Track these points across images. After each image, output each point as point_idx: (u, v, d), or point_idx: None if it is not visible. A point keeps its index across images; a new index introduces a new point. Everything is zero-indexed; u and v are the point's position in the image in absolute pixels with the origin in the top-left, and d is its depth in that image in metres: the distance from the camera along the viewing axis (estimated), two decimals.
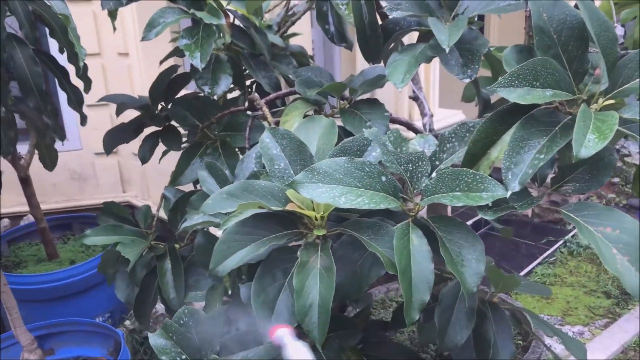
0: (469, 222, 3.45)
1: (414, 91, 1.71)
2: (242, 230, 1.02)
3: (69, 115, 3.56)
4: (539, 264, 3.66)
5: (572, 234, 3.93)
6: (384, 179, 0.98)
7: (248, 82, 1.87)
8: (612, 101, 0.90)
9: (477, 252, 0.91)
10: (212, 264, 1.01)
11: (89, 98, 3.36)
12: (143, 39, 1.46)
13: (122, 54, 3.49)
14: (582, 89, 0.96)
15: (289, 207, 0.98)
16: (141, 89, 3.47)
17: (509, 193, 0.85)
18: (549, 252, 3.74)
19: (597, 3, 1.46)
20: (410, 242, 0.93)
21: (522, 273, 3.53)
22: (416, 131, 1.75)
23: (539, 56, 0.93)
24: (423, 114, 1.79)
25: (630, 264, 0.81)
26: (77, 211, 3.68)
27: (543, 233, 3.90)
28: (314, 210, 1.01)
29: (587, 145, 0.78)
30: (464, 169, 0.92)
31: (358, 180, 0.96)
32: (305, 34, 2.26)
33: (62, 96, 3.20)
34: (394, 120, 1.71)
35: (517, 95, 0.86)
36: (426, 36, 1.31)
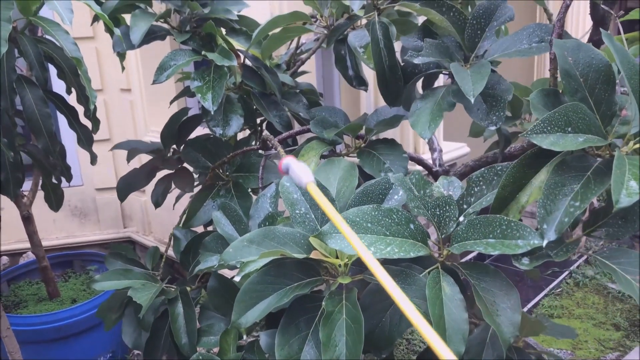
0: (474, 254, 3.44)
1: None
2: (264, 279, 0.99)
3: (69, 151, 3.54)
4: (545, 295, 3.62)
5: (577, 264, 3.90)
6: (412, 226, 0.96)
7: (258, 121, 1.86)
8: None
9: (512, 301, 0.89)
10: (235, 316, 0.98)
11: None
12: (154, 82, 1.45)
13: (124, 90, 3.50)
14: (610, 131, 0.95)
15: (313, 256, 0.96)
16: (143, 125, 3.47)
17: (545, 242, 0.83)
18: (554, 283, 3.71)
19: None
20: (442, 291, 0.90)
21: (529, 305, 3.48)
22: (427, 167, 1.74)
23: (566, 100, 0.93)
24: (432, 149, 1.78)
25: None
26: (77, 247, 3.64)
27: (548, 264, 3.86)
28: (337, 257, 0.99)
29: (627, 194, 0.76)
30: (498, 215, 0.90)
31: (386, 228, 0.94)
32: (314, 72, 2.26)
33: (65, 134, 3.21)
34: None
35: (550, 142, 0.84)
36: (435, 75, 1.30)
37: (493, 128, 1.05)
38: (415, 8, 1.16)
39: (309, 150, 1.31)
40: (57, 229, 3.73)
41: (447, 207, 0.99)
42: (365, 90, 1.40)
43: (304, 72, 1.95)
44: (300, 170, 0.79)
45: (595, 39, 1.33)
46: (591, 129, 0.88)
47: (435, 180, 1.77)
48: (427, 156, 2.26)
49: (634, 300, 3.62)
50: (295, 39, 1.88)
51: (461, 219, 1.01)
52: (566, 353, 3.07)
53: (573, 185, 0.86)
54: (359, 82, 1.34)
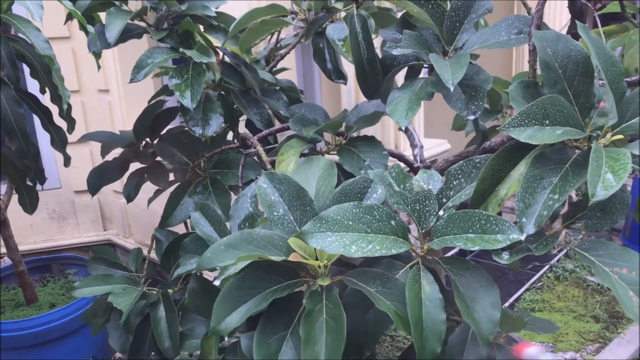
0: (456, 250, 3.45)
1: None
2: (243, 284, 0.97)
3: (47, 154, 3.48)
4: (527, 289, 3.65)
5: (557, 258, 3.95)
6: (393, 222, 0.95)
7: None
8: (620, 136, 0.89)
9: (492, 297, 0.89)
10: (214, 322, 0.96)
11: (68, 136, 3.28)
12: (131, 80, 1.42)
13: (102, 91, 3.44)
14: (589, 123, 0.96)
15: (292, 258, 0.94)
16: (122, 126, 3.42)
17: (524, 236, 0.82)
18: (535, 277, 3.74)
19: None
20: (422, 290, 0.90)
21: (511, 300, 3.51)
22: (408, 163, 1.73)
23: (546, 91, 0.92)
24: (413, 145, 1.78)
25: None
26: (56, 251, 3.57)
27: (529, 258, 3.90)
28: (317, 259, 0.98)
29: (603, 187, 0.76)
30: (477, 210, 0.89)
31: (367, 225, 0.93)
32: (291, 68, 2.24)
33: (41, 135, 3.15)
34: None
35: (527, 135, 0.84)
36: (416, 70, 1.30)
37: (472, 117, 1.04)
38: (394, 0, 1.15)
39: (289, 148, 1.30)
40: (35, 233, 3.67)
41: (427, 202, 0.98)
42: (345, 83, 1.38)
43: (283, 69, 1.93)
44: None
45: (573, 32, 1.33)
46: (569, 122, 0.88)
47: None
48: (408, 152, 2.26)
49: (613, 292, 3.67)
50: (275, 34, 1.86)
51: (441, 213, 1.00)
52: (548, 346, 3.09)
53: (551, 178, 0.86)
54: (338, 75, 1.33)
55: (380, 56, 1.18)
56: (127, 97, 3.34)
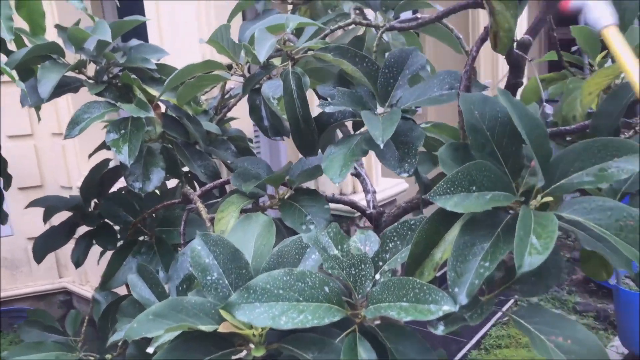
0: None
1: (355, 168, 1.69)
2: (173, 354, 0.92)
3: None
4: (493, 325, 3.64)
5: None
6: (327, 289, 0.91)
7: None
8: (549, 198, 0.88)
9: None
10: None
11: (21, 180, 3.19)
12: (66, 137, 1.37)
13: (56, 134, 3.37)
14: (521, 182, 0.95)
15: (222, 329, 0.90)
16: (77, 170, 3.34)
17: (458, 307, 0.80)
18: (500, 312, 3.73)
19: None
20: (358, 358, 0.86)
21: (477, 337, 3.49)
22: (360, 210, 1.72)
23: (474, 155, 0.91)
24: (366, 191, 1.76)
25: None
26: (9, 302, 3.43)
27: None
28: (251, 327, 0.93)
29: (530, 256, 0.75)
30: (412, 278, 0.86)
31: (299, 293, 0.89)
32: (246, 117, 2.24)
33: None
34: (339, 201, 1.68)
35: (453, 203, 0.82)
36: (361, 124, 1.29)
37: (405, 175, 1.03)
38: (329, 58, 1.14)
39: (229, 205, 1.26)
40: None
41: (363, 266, 0.95)
42: (282, 140, 1.36)
43: (232, 119, 1.91)
44: (598, 9, 0.66)
45: (513, 83, 1.34)
46: (498, 185, 0.87)
47: (371, 222, 1.75)
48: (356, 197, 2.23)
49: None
50: (222, 84, 1.84)
51: (378, 277, 0.97)
52: None
53: (483, 244, 0.84)
54: (274, 132, 1.31)
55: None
56: (82, 140, 3.27)
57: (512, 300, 3.84)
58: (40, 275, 3.62)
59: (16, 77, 1.33)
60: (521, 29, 1.25)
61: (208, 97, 2.07)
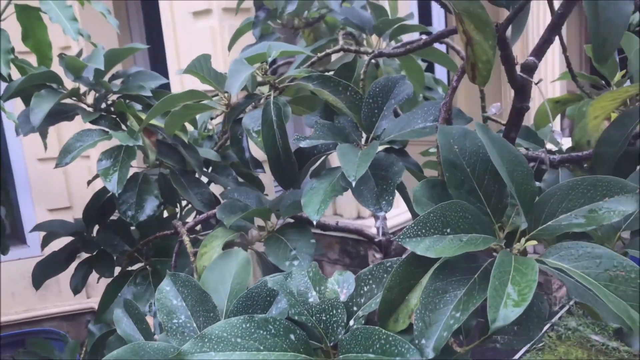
0: None
1: None
2: None
3: (28, 220, 3.45)
4: (527, 351, 3.46)
5: (558, 315, 3.76)
6: (292, 337, 0.85)
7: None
8: (534, 242, 0.80)
9: None
10: None
11: (51, 202, 3.26)
12: (57, 165, 1.36)
13: (84, 157, 3.43)
14: (506, 223, 0.87)
15: None
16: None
17: None
18: (536, 338, 3.55)
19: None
20: None
21: None
22: (369, 237, 1.65)
23: (451, 193, 0.84)
24: (376, 217, 1.70)
25: None
26: (37, 322, 3.49)
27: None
28: None
29: (504, 310, 0.67)
30: (377, 328, 0.79)
31: (260, 342, 0.83)
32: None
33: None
34: (344, 229, 1.61)
35: (425, 247, 0.75)
36: None
37: (381, 214, 0.96)
38: (310, 88, 1.09)
39: (213, 239, 1.21)
40: (17, 303, 3.59)
41: (334, 311, 0.88)
42: (264, 172, 1.32)
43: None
44: None
45: (518, 107, 1.25)
46: (476, 227, 0.79)
47: (381, 251, 1.68)
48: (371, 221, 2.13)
49: (618, 353, 3.46)
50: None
51: (351, 322, 0.90)
52: None
53: (457, 291, 0.76)
54: (256, 164, 1.26)
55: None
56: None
57: (548, 325, 3.66)
58: (69, 296, 3.65)
59: (7, 109, 1.34)
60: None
61: (217, 121, 2.05)
